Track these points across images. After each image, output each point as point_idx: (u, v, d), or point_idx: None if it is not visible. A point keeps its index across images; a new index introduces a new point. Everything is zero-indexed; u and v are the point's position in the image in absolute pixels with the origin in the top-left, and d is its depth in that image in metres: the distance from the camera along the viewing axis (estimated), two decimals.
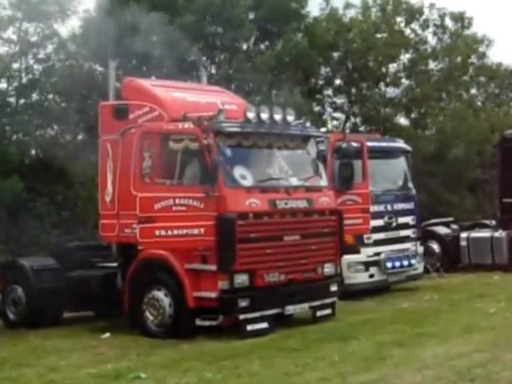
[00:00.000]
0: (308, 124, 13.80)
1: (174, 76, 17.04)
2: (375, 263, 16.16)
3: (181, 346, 11.07)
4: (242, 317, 11.53)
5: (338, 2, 33.29)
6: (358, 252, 15.93)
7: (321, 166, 13.55)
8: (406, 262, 16.64)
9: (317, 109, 29.20)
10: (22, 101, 23.23)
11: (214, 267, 11.52)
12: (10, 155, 20.94)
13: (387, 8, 30.55)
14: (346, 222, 13.64)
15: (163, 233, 11.90)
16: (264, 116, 12.43)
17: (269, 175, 12.64)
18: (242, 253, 11.45)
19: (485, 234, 20.11)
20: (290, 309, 12.25)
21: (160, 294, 12.01)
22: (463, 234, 20.39)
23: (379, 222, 16.27)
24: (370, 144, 15.93)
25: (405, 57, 30.64)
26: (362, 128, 29.96)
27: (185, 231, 11.65)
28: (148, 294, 12.17)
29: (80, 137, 24.93)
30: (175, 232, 11.75)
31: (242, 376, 9.04)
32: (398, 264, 16.46)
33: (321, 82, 30.54)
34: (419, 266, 17.31)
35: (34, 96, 23.41)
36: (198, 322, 11.67)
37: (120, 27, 19.33)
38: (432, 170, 27.43)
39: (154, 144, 12.32)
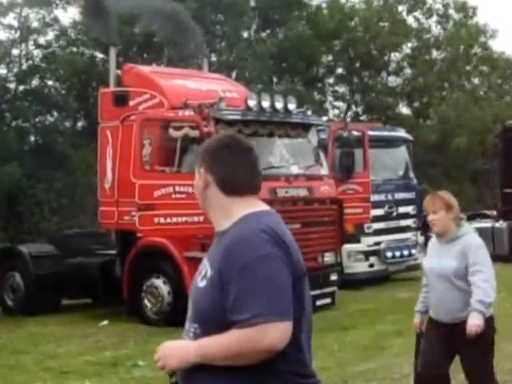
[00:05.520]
0: (309, 112, 13.71)
1: (174, 63, 17.00)
2: (375, 253, 16.12)
3: (179, 333, 11.03)
4: None
5: None
6: (358, 241, 15.89)
7: (322, 155, 13.49)
8: (406, 252, 16.60)
9: (318, 97, 29.13)
10: (21, 87, 23.19)
11: None
12: (10, 141, 20.88)
13: None
14: (347, 211, 13.57)
15: (162, 220, 11.83)
16: (265, 104, 12.36)
17: (269, 163, 12.56)
18: None
19: (486, 224, 20.03)
20: None
21: (159, 282, 11.98)
22: None
23: (380, 212, 16.20)
24: (371, 133, 15.81)
25: (407, 46, 30.57)
26: (363, 117, 29.91)
27: (184, 219, 11.57)
28: (147, 281, 12.14)
29: (80, 124, 24.91)
30: (174, 220, 11.68)
31: None
32: (398, 254, 16.41)
33: (322, 71, 30.47)
34: (419, 256, 17.20)
35: (34, 82, 23.38)
36: None
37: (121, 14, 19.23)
38: (433, 159, 27.40)
39: (154, 131, 12.24)
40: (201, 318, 2.87)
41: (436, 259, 5.74)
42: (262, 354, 2.72)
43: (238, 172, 2.98)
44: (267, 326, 2.69)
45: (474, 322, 5.36)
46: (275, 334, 2.71)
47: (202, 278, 2.91)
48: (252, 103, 12.22)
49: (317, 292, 12.70)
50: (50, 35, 23.77)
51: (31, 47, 23.75)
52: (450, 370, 5.85)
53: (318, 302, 12.78)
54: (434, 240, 5.92)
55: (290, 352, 2.81)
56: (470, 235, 5.70)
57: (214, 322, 2.79)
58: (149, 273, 12.16)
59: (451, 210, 5.65)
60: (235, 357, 2.73)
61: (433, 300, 5.76)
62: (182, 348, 2.90)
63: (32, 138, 23.38)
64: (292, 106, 12.87)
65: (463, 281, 5.57)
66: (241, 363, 2.75)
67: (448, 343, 5.65)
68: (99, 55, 24.18)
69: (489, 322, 5.72)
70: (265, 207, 3.01)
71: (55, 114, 23.82)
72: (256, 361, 2.73)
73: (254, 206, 2.98)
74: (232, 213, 2.94)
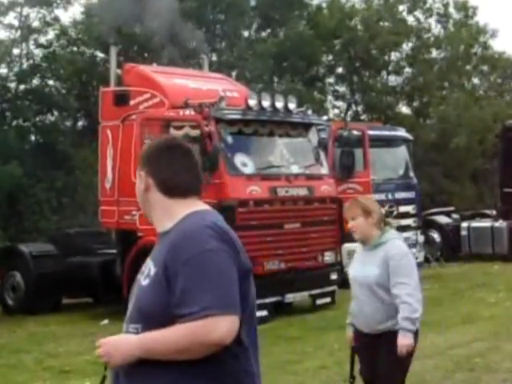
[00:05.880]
0: (309, 112, 13.74)
1: (175, 63, 17.00)
2: None
3: None
4: None
5: None
6: None
7: (322, 154, 13.51)
8: None
9: (318, 97, 29.12)
10: (22, 86, 23.18)
11: None
12: (10, 141, 20.90)
13: None
14: None
15: None
16: (265, 103, 12.38)
17: (270, 163, 12.60)
18: (241, 240, 11.26)
19: (485, 223, 20.07)
20: (290, 297, 12.23)
21: None
22: (464, 224, 20.35)
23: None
24: (371, 132, 15.84)
25: (407, 45, 30.57)
26: (363, 116, 29.90)
27: None
28: None
29: (80, 123, 24.92)
30: None
31: None
32: None
33: (323, 70, 30.47)
34: (420, 255, 17.27)
35: (35, 82, 23.36)
36: None
37: (121, 13, 19.24)
38: (433, 159, 27.38)
39: (155, 131, 12.23)
40: (144, 317, 2.79)
41: (359, 267, 5.48)
42: (209, 348, 2.67)
43: (178, 174, 2.96)
44: (216, 319, 2.65)
45: (404, 343, 5.08)
46: (224, 327, 2.66)
47: (145, 277, 2.85)
48: (252, 103, 12.24)
49: (317, 291, 12.72)
50: (51, 35, 23.78)
51: (32, 47, 23.76)
52: None
53: (318, 301, 12.80)
54: (359, 247, 5.63)
55: (234, 347, 2.74)
56: (393, 241, 5.33)
57: (158, 320, 2.72)
58: None
59: (370, 215, 5.34)
60: (182, 351, 2.67)
61: (355, 309, 5.54)
62: (126, 343, 2.79)
63: (32, 138, 23.39)
64: (292, 106, 12.89)
65: (385, 290, 5.22)
66: (187, 357, 2.68)
67: (372, 354, 5.38)
68: (100, 55, 24.17)
69: (415, 332, 5.28)
70: (207, 207, 2.99)
71: (56, 113, 23.82)
72: (203, 355, 2.68)
73: (197, 205, 2.95)
74: (174, 213, 2.91)
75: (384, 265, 5.21)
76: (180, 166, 2.97)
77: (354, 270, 5.58)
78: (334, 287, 13.10)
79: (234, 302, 2.73)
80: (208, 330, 2.64)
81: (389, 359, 5.24)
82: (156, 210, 2.99)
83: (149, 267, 2.85)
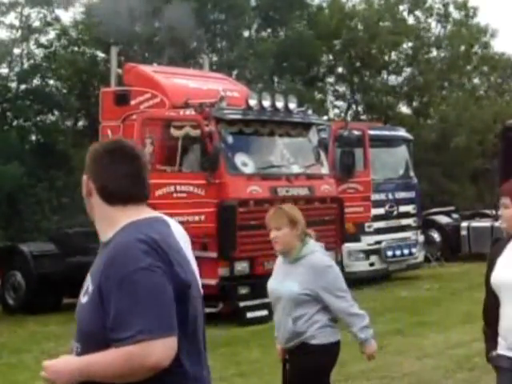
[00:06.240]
0: (310, 112, 13.76)
1: (175, 62, 17.04)
2: (376, 252, 16.14)
3: None
4: (241, 304, 11.53)
5: None
6: (358, 240, 15.91)
7: (322, 154, 13.53)
8: (406, 251, 16.64)
9: (319, 97, 29.14)
10: (23, 86, 23.21)
11: (214, 254, 11.50)
12: (11, 140, 20.92)
13: None
14: (347, 210, 13.60)
15: None
16: (266, 103, 12.40)
17: (270, 162, 12.61)
18: (242, 240, 11.43)
19: (485, 223, 20.08)
20: None
21: None
22: (464, 224, 20.37)
23: (380, 211, 16.24)
24: (371, 132, 15.86)
25: (407, 45, 30.58)
26: (363, 116, 29.92)
27: (185, 218, 11.58)
28: None
29: (81, 123, 24.95)
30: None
31: (242, 363, 9.04)
32: (398, 253, 16.44)
33: (323, 70, 30.49)
34: (419, 255, 17.30)
35: (35, 82, 23.38)
36: None
37: (122, 13, 19.26)
38: (434, 158, 27.38)
39: (156, 130, 12.26)
40: (83, 336, 2.74)
41: (278, 281, 5.13)
42: (147, 372, 2.58)
43: (118, 180, 2.78)
44: (151, 343, 2.55)
45: (373, 350, 5.25)
46: (160, 350, 2.57)
47: (84, 294, 2.76)
48: (253, 102, 12.26)
49: None
50: (52, 34, 23.81)
51: (32, 46, 23.77)
52: None
53: None
54: (280, 259, 5.25)
55: (173, 368, 2.65)
56: (314, 255, 5.10)
57: (96, 339, 2.65)
58: None
59: (296, 226, 5.06)
60: (120, 375, 2.59)
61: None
62: (66, 366, 2.71)
63: (33, 138, 23.42)
64: (293, 106, 12.90)
65: (303, 308, 4.97)
66: (126, 381, 2.61)
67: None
68: (100, 54, 24.19)
69: (329, 348, 5.21)
70: (149, 214, 2.83)
71: (56, 113, 23.85)
72: (142, 378, 2.59)
73: (139, 213, 2.79)
74: (115, 222, 2.77)
75: (305, 280, 4.96)
76: (121, 171, 2.78)
77: (272, 284, 5.22)
78: None
79: (170, 322, 2.61)
80: (143, 355, 2.54)
81: (294, 379, 5.12)
82: (99, 218, 2.85)
83: (88, 283, 2.75)
